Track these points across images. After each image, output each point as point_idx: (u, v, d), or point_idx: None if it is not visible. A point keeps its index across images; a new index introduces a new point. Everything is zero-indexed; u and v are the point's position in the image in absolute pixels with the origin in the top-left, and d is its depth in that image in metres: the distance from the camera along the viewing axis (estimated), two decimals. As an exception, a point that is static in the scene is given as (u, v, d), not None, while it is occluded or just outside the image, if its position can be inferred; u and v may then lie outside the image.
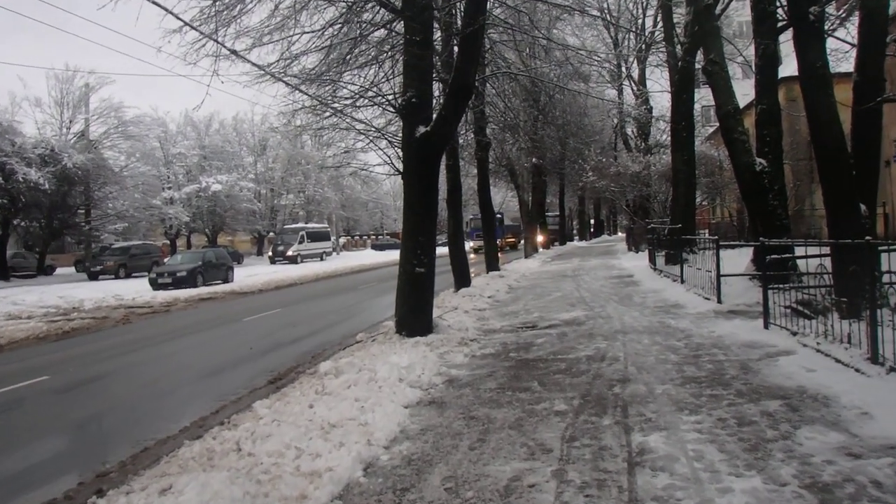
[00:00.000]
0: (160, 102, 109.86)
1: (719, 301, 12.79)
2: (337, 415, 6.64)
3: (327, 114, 15.99)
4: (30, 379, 11.11)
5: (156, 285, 30.34)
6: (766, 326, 9.93)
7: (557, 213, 58.69)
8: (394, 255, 28.20)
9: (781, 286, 10.13)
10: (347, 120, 16.17)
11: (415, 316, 11.29)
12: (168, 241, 59.37)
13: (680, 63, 21.63)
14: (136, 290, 29.16)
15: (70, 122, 48.06)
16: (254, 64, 12.38)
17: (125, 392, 10.22)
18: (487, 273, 23.53)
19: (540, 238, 41.37)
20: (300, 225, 61.26)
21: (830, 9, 13.37)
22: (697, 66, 20.81)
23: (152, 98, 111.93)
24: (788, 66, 21.31)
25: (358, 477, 5.28)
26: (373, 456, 5.70)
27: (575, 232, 68.70)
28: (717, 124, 21.26)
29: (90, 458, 7.04)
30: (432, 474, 5.25)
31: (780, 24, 13.95)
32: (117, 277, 40.22)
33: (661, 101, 39.02)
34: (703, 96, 29.77)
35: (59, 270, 48.42)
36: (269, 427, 6.36)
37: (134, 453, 7.05)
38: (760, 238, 11.32)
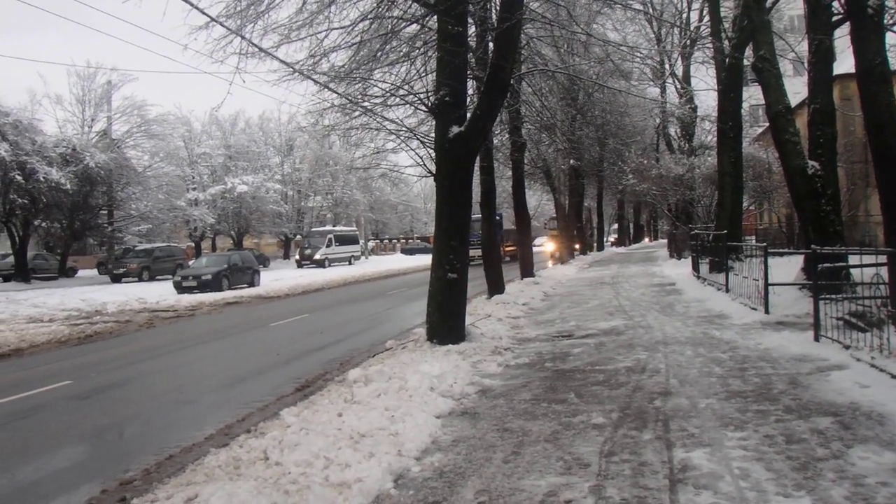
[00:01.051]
0: (184, 101, 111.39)
1: (767, 311, 12.65)
2: (366, 424, 6.69)
3: (357, 113, 16.10)
4: (51, 384, 11.33)
5: (180, 289, 30.77)
6: (816, 339, 9.82)
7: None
8: (424, 260, 28.28)
9: (834, 296, 10.01)
10: (378, 119, 16.27)
11: (446, 323, 11.33)
12: (193, 244, 60.04)
13: (727, 59, 21.45)
14: (160, 293, 29.59)
15: (92, 120, 48.82)
16: (281, 61, 12.53)
17: (149, 398, 10.38)
18: (522, 279, 23.50)
19: (552, 246, 37.09)
20: (328, 228, 61.63)
21: (890, 2, 13.16)
22: (746, 62, 20.62)
23: (176, 96, 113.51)
24: (844, 63, 21.05)
25: (388, 489, 5.32)
26: (403, 467, 5.75)
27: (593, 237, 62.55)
28: (767, 124, 21.01)
29: (113, 465, 7.16)
30: (465, 488, 5.28)
31: (835, 18, 13.78)
32: (140, 280, 40.82)
33: (707, 100, 38.73)
34: (752, 95, 29.60)
35: (80, 273, 49.18)
36: (297, 436, 6.43)
37: (158, 461, 7.16)
38: (812, 245, 11.19)
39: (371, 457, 5.83)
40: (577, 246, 43.94)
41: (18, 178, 37.30)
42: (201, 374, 12.15)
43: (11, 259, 41.84)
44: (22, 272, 40.50)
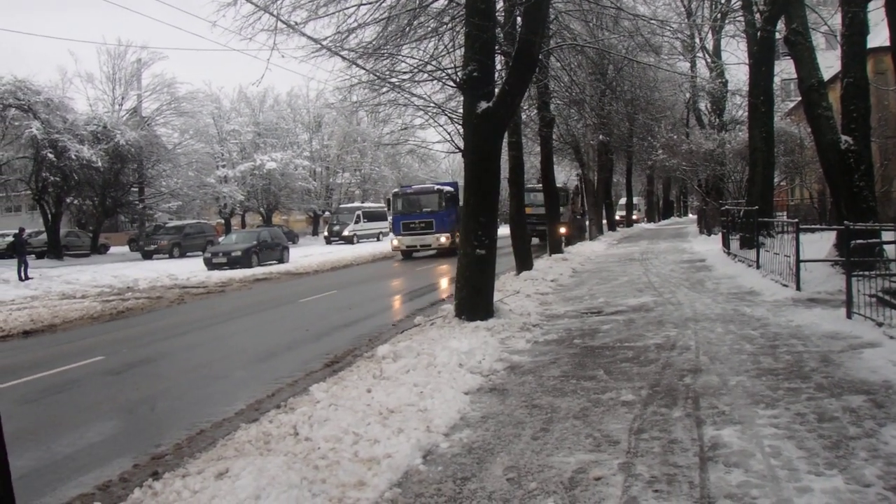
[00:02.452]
0: (214, 78, 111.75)
1: (798, 288, 12.50)
2: (395, 400, 6.73)
3: (385, 89, 16.07)
4: (84, 359, 11.50)
5: (210, 265, 31.07)
6: (849, 316, 9.69)
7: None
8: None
9: (867, 273, 9.86)
10: (406, 95, 16.24)
11: (475, 299, 11.32)
12: (222, 221, 60.56)
13: (759, 33, 21.05)
14: (191, 269, 29.89)
15: (122, 98, 49.31)
16: (309, 37, 12.51)
17: (180, 373, 10.50)
18: (550, 256, 23.42)
19: (563, 230, 30.30)
20: (356, 204, 61.84)
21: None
22: (778, 36, 20.24)
23: (205, 74, 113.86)
24: (878, 36, 20.60)
25: (417, 464, 5.35)
26: (432, 443, 5.77)
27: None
28: (799, 99, 20.67)
29: (145, 439, 7.26)
30: (494, 464, 5.28)
31: (869, -9, 13.47)
32: (171, 257, 41.28)
33: (738, 75, 38.18)
34: (784, 69, 29.04)
35: (112, 249, 49.86)
36: (327, 411, 6.47)
37: (189, 436, 7.25)
38: (844, 221, 11.02)
39: (400, 433, 5.86)
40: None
41: (50, 156, 37.77)
42: (231, 349, 12.28)
43: (44, 236, 42.51)
44: (55, 249, 41.12)
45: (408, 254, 34.52)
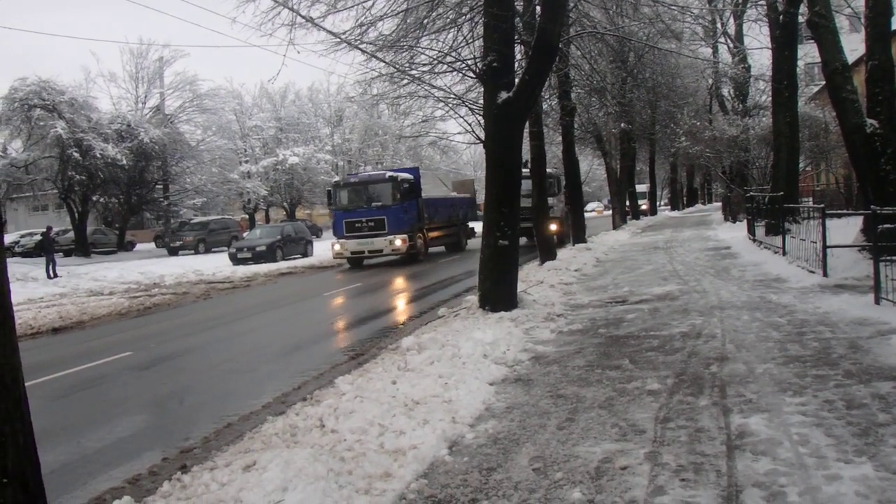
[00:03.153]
0: (235, 75, 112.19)
1: (825, 274, 12.35)
2: (420, 392, 6.74)
3: (405, 81, 16.06)
4: (112, 355, 11.62)
5: (235, 260, 31.30)
6: (877, 302, 9.56)
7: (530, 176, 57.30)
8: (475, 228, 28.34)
9: (895, 258, 9.72)
10: (426, 87, 16.22)
11: (498, 290, 11.31)
12: (246, 216, 60.90)
13: (781, 17, 20.77)
14: (216, 265, 30.14)
15: (145, 96, 49.79)
16: (329, 31, 12.53)
17: (207, 367, 10.59)
18: (573, 245, 23.34)
19: (553, 226, 24.08)
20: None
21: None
22: (801, 19, 19.96)
23: (227, 70, 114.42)
24: (904, 17, 20.25)
25: (443, 455, 5.36)
26: (458, 434, 5.78)
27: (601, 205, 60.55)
28: (823, 83, 20.38)
29: (173, 433, 7.33)
30: (519, 454, 5.29)
31: (894, -30, 13.25)
32: (197, 253, 41.62)
33: (761, 60, 37.52)
34: (808, 52, 28.59)
35: (138, 246, 50.33)
36: (352, 403, 6.51)
37: (217, 429, 7.31)
38: (871, 206, 10.87)
39: (425, 424, 5.88)
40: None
41: (76, 155, 38.20)
42: (257, 343, 12.36)
43: (72, 234, 43.00)
44: (82, 247, 41.59)
45: (356, 262, 27.66)
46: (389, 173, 28.15)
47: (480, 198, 26.50)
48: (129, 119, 43.09)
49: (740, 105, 34.58)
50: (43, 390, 9.41)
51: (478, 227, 22.98)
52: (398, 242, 26.26)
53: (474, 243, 27.43)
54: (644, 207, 52.87)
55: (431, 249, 30.19)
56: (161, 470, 6.13)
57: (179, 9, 74.66)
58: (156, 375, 10.14)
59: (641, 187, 54.12)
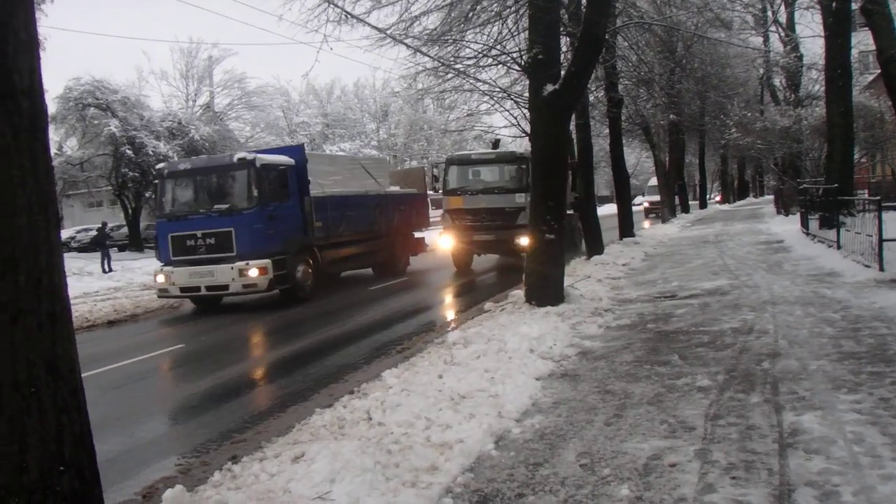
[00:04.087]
0: (282, 72, 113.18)
1: (881, 269, 12.05)
2: (466, 386, 6.75)
3: (450, 75, 16.13)
4: (165, 347, 11.84)
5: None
6: (937, 296, 9.32)
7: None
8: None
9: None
10: (471, 81, 16.25)
11: (545, 285, 11.26)
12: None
13: (834, 3, 20.30)
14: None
15: (195, 94, 50.67)
16: (373, 27, 12.61)
17: (256, 360, 10.74)
18: (621, 240, 23.13)
19: (525, 241, 13.22)
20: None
21: None
22: (854, 6, 19.49)
23: (274, 68, 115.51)
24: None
25: (489, 450, 5.36)
26: (504, 429, 5.77)
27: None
28: (878, 71, 19.88)
29: (224, 424, 7.46)
30: (566, 450, 5.26)
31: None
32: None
33: (813, 48, 36.64)
34: (861, 40, 27.91)
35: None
36: (399, 397, 6.55)
37: (266, 420, 7.43)
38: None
39: (471, 418, 5.89)
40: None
41: (129, 152, 38.96)
42: (305, 337, 12.48)
43: (125, 230, 43.90)
44: (136, 242, 42.47)
45: (205, 300, 16.98)
46: (242, 155, 16.89)
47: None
48: (179, 117, 43.82)
49: (792, 95, 33.94)
50: (98, 381, 9.61)
51: (435, 234, 21.87)
52: (253, 273, 15.56)
53: (425, 262, 23.88)
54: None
55: (348, 274, 21.19)
56: (212, 460, 6.25)
57: (228, 7, 75.68)
58: (206, 367, 10.31)
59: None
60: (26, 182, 3.19)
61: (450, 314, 14.09)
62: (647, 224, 27.72)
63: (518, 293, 11.98)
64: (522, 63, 12.34)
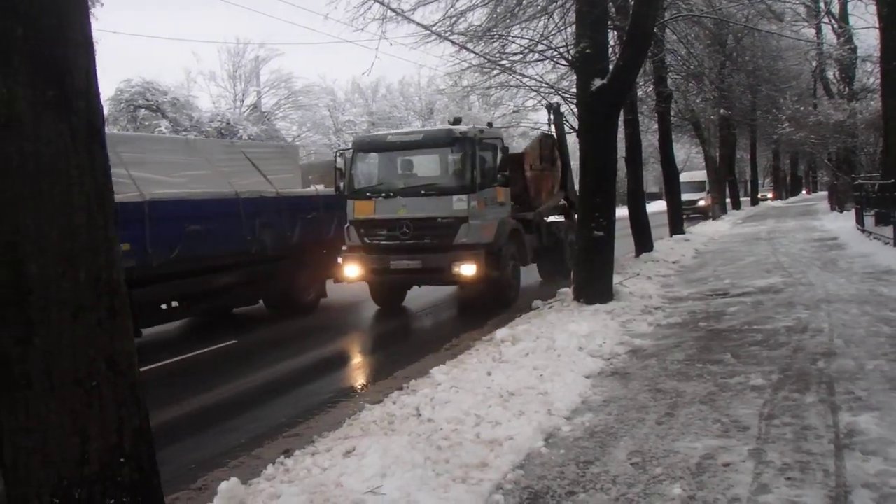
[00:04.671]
0: (328, 71, 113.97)
1: (941, 266, 11.78)
2: (515, 383, 6.76)
3: (495, 72, 16.08)
4: (218, 343, 11.93)
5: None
6: None
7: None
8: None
9: None
10: (517, 76, 16.20)
11: (593, 282, 11.19)
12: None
13: (891, -6, 19.83)
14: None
15: (243, 94, 51.35)
16: (419, 24, 12.69)
17: (306, 356, 10.82)
18: (671, 237, 22.89)
19: (470, 268, 12.46)
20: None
21: None
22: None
23: (319, 67, 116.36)
24: None
25: (539, 447, 5.36)
26: (554, 426, 5.77)
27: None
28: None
29: (275, 418, 7.56)
30: (617, 448, 5.25)
31: None
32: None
33: (868, 40, 35.99)
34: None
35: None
36: (448, 393, 6.58)
37: (318, 415, 7.51)
38: None
39: (521, 415, 5.89)
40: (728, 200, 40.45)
41: (179, 152, 39.67)
42: (352, 334, 12.60)
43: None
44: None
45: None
46: None
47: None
48: (228, 117, 44.44)
49: (846, 88, 33.22)
50: (155, 375, 9.77)
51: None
52: None
53: (354, 291, 15.28)
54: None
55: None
56: (263, 454, 6.32)
57: (274, 7, 76.54)
58: (259, 362, 10.40)
59: (699, 174, 43.09)
60: (84, 181, 3.27)
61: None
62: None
63: (566, 291, 11.92)
64: (570, 58, 12.30)
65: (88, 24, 3.38)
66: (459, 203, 12.54)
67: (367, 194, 13.31)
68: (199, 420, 7.89)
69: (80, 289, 3.18)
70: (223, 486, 4.65)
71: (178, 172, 12.35)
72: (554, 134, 17.71)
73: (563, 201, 18.19)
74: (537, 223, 15.91)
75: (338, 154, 14.29)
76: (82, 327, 3.18)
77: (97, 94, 3.42)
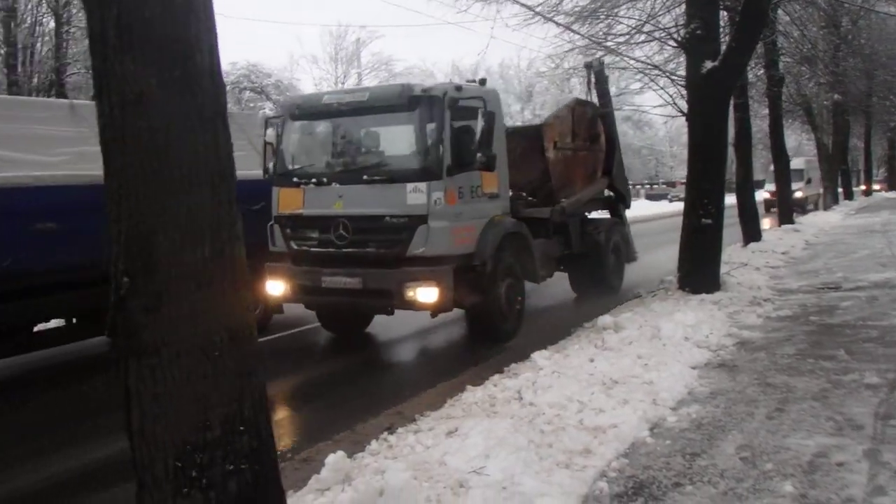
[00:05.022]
0: (428, 54, 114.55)
1: None
2: (618, 371, 6.70)
3: (599, 54, 15.80)
4: (296, 328, 11.88)
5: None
6: None
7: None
8: (669, 207, 25.04)
9: None
10: (624, 58, 15.88)
11: (700, 271, 10.95)
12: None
13: None
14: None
15: (344, 77, 52.27)
16: (522, 4, 12.56)
17: (406, 341, 10.91)
18: (780, 226, 22.19)
19: (430, 293, 8.78)
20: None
21: None
22: None
23: (420, 50, 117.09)
24: None
25: (644, 437, 5.31)
26: (659, 416, 5.71)
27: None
28: None
29: (375, 396, 7.69)
30: (725, 441, 5.15)
31: None
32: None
33: None
34: None
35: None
36: (549, 378, 6.56)
37: (417, 395, 7.58)
38: None
39: (625, 404, 5.85)
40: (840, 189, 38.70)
41: (282, 134, 40.70)
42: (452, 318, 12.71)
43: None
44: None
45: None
46: None
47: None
48: (328, 99, 45.30)
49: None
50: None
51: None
52: None
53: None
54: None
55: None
56: (366, 429, 6.41)
57: (376, -11, 77.38)
58: (359, 345, 10.54)
59: (796, 162, 38.65)
60: (209, 158, 3.39)
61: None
62: (767, 223, 22.17)
63: (670, 280, 11.70)
64: (679, 39, 11.99)
65: (211, 4, 3.49)
66: (416, 195, 8.75)
67: (294, 180, 9.59)
68: (301, 394, 8.12)
69: (203, 262, 3.31)
70: (330, 458, 4.77)
71: (55, 149, 8.68)
72: (595, 101, 14.35)
73: (607, 191, 14.37)
74: (560, 223, 11.91)
75: (267, 123, 10.21)
76: (206, 298, 3.30)
77: (220, 73, 3.53)
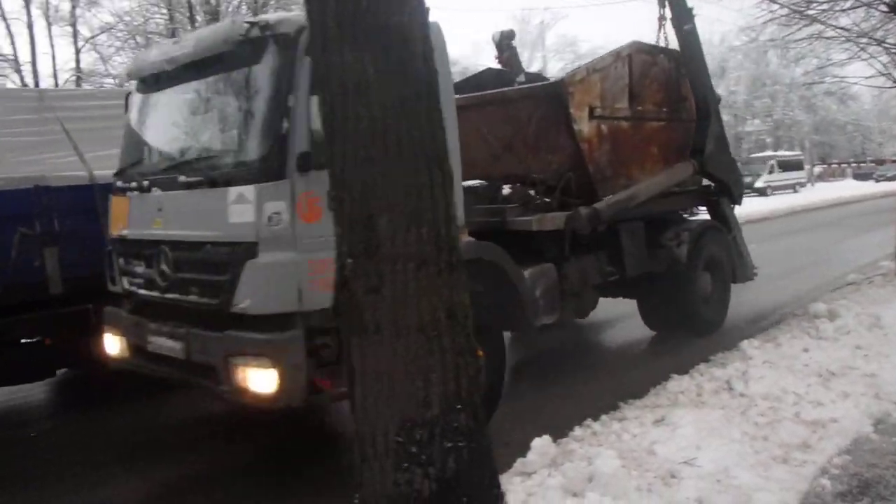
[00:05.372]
0: (612, 32, 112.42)
1: None
2: (835, 362, 6.38)
3: (802, 23, 14.86)
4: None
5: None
6: None
7: None
8: (876, 188, 22.57)
9: None
10: (829, 26, 14.86)
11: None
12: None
13: None
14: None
15: (529, 61, 52.09)
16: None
17: (624, 318, 10.70)
18: None
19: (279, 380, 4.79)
20: (768, 153, 58.07)
21: None
22: None
23: (606, 28, 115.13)
24: None
25: (867, 432, 5.04)
26: (883, 411, 5.39)
27: None
28: None
29: (573, 382, 7.58)
30: (961, 442, 4.74)
31: None
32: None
33: None
34: None
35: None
36: (760, 369, 6.30)
37: (619, 383, 7.26)
38: None
39: (845, 397, 5.57)
40: None
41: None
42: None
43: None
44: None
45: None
46: None
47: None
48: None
49: None
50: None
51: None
52: None
53: None
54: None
55: None
56: (569, 415, 6.34)
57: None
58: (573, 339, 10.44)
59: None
60: (425, 142, 3.50)
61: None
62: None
63: (887, 265, 10.88)
64: (891, 2, 11.06)
65: (423, -8, 3.58)
66: (240, 206, 5.05)
67: (119, 184, 6.38)
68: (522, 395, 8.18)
69: (422, 243, 3.42)
70: (536, 441, 4.81)
71: None
72: (668, 46, 9.86)
73: (694, 181, 9.62)
74: (600, 234, 7.76)
75: (127, 100, 6.76)
76: (424, 279, 3.42)
77: (432, 59, 3.62)
